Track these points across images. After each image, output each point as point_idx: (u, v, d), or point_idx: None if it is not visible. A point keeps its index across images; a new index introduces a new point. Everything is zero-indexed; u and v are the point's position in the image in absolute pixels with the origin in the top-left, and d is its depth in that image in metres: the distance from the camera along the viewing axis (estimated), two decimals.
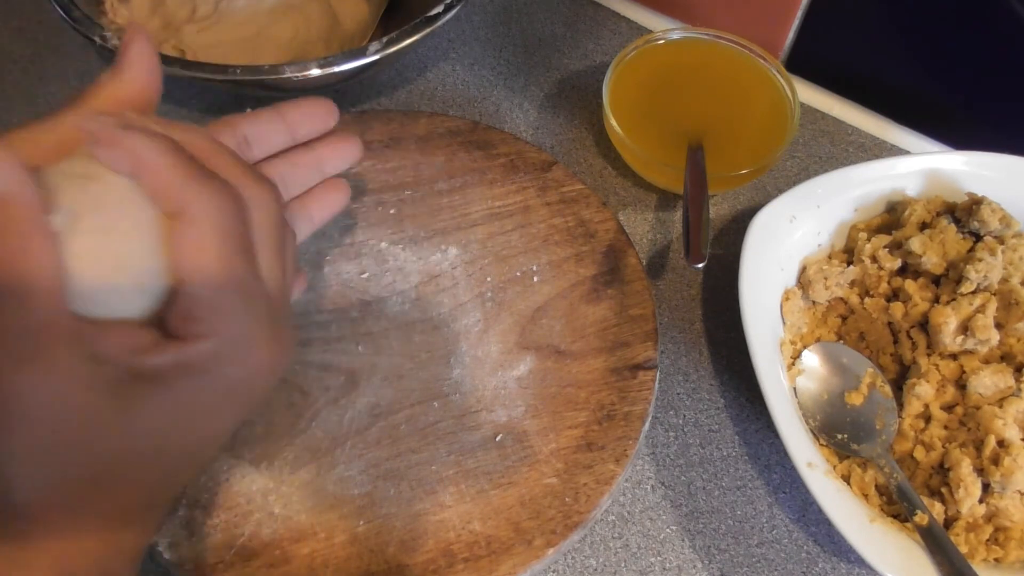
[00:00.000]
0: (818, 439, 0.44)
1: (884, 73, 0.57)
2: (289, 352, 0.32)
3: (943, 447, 0.43)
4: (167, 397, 0.27)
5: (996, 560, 0.41)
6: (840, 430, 0.44)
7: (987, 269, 0.43)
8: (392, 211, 0.51)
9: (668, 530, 0.44)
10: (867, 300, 0.47)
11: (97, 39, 0.48)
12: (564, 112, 0.59)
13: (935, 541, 0.39)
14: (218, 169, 0.29)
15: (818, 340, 0.47)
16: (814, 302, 0.48)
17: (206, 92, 0.58)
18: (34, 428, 0.25)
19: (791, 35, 0.58)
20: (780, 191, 0.48)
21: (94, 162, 0.28)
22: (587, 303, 0.48)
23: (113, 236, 0.27)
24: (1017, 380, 0.43)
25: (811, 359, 0.46)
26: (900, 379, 0.46)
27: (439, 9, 0.51)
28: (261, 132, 0.36)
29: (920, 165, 0.49)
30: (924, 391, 0.43)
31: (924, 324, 0.45)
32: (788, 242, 0.47)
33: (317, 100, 0.38)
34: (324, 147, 0.39)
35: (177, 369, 0.27)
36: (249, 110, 0.37)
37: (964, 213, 0.47)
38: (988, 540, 0.41)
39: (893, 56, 0.56)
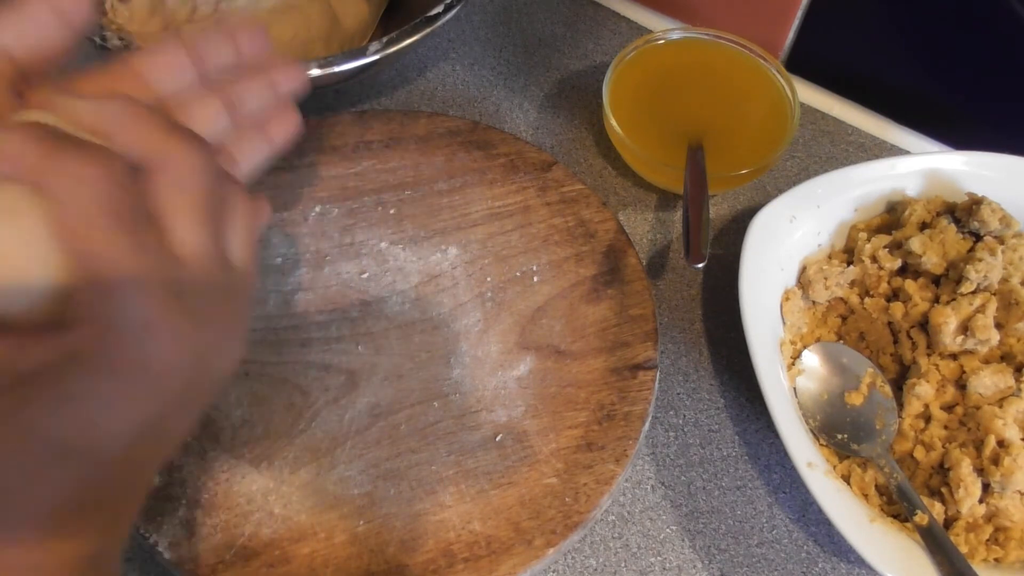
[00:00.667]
0: (818, 439, 0.44)
1: (884, 73, 0.57)
2: (229, 327, 0.29)
3: (943, 447, 0.43)
4: (57, 393, 0.25)
5: (996, 560, 0.41)
6: (840, 430, 0.44)
7: (987, 269, 0.44)
8: (392, 211, 0.51)
9: (668, 530, 0.44)
10: (867, 300, 0.47)
11: (97, 39, 0.48)
12: (564, 112, 0.59)
13: (935, 541, 0.39)
14: (113, 133, 0.27)
15: (818, 340, 0.47)
16: (814, 302, 0.48)
17: None
18: None
19: (791, 35, 0.58)
20: (780, 191, 0.48)
21: None
22: (587, 303, 0.48)
23: (7, 233, 0.25)
24: (1017, 380, 0.43)
25: (811, 359, 0.46)
26: (900, 379, 0.46)
27: (439, 9, 0.51)
28: (211, 50, 0.33)
29: (920, 165, 0.49)
30: (924, 391, 0.44)
31: (924, 324, 0.45)
32: (788, 242, 0.47)
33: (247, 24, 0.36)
34: (272, 66, 0.36)
35: (60, 361, 0.25)
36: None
37: (964, 213, 0.47)
38: (988, 540, 0.41)
39: (893, 56, 0.56)
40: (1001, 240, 0.46)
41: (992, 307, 0.43)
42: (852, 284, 0.48)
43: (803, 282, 0.47)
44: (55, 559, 0.26)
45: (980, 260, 0.44)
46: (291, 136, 0.37)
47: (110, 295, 0.25)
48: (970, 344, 0.44)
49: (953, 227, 0.46)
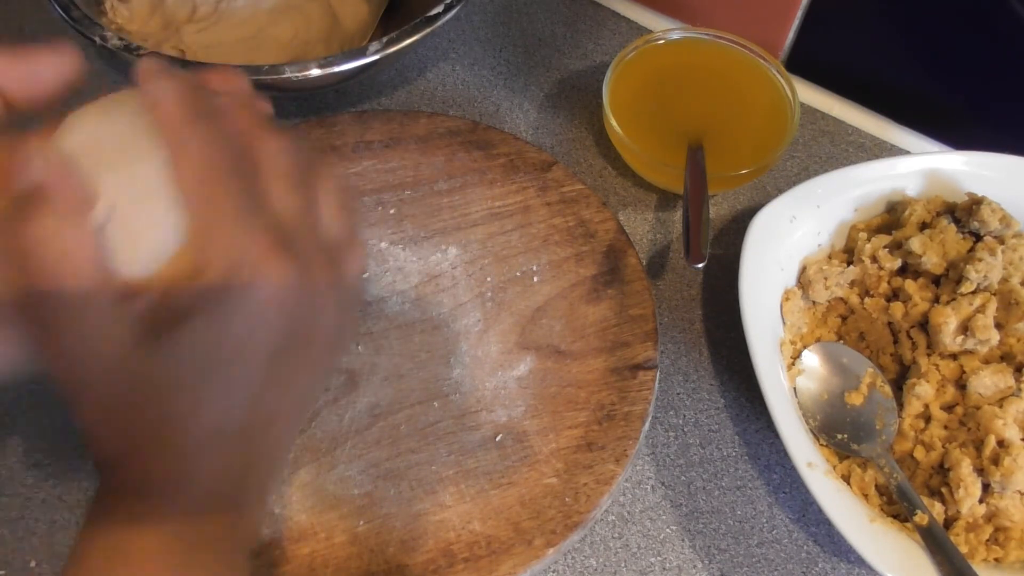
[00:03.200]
0: (818, 439, 0.44)
1: (884, 73, 0.57)
2: (338, 286, 0.31)
3: (943, 447, 0.43)
4: (192, 339, 0.27)
5: (996, 560, 0.41)
6: (840, 430, 0.44)
7: (987, 269, 0.44)
8: (392, 211, 0.51)
9: (668, 530, 0.44)
10: (867, 300, 0.47)
11: (97, 39, 0.48)
12: (564, 112, 0.59)
13: (935, 541, 0.39)
14: (218, 110, 0.30)
15: (818, 340, 0.47)
16: (814, 302, 0.48)
17: None
18: (97, 393, 0.27)
19: (791, 35, 0.58)
20: (780, 191, 0.48)
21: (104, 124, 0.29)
22: (587, 303, 0.48)
23: (142, 206, 0.28)
24: (1017, 380, 0.43)
25: (811, 359, 0.46)
26: (900, 379, 0.46)
27: (439, 9, 0.51)
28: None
29: (920, 165, 0.49)
30: (924, 391, 0.43)
31: (924, 324, 0.45)
32: (788, 242, 0.47)
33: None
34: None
35: (191, 307, 0.27)
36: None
37: (964, 213, 0.47)
38: (988, 540, 0.41)
39: (893, 56, 0.56)
40: (1001, 240, 0.46)
41: (992, 307, 0.43)
42: (852, 284, 0.48)
43: (803, 282, 0.47)
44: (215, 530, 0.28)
45: (980, 260, 0.44)
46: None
47: (220, 238, 0.28)
48: (970, 344, 0.44)
49: (953, 227, 0.46)
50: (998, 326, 0.44)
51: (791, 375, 0.45)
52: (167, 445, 0.28)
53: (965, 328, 0.44)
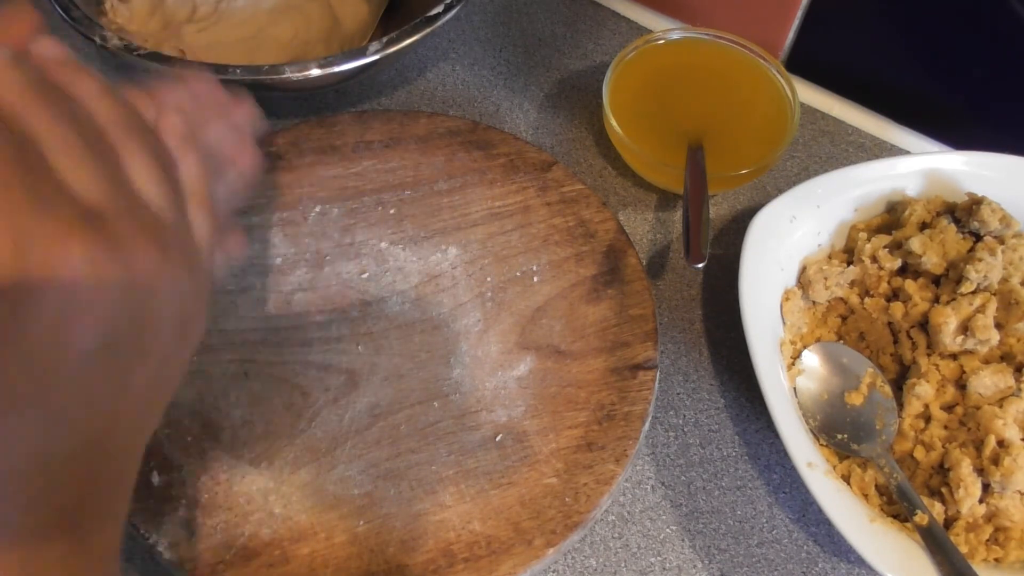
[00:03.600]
0: (818, 439, 0.44)
1: (884, 73, 0.57)
2: (169, 271, 0.27)
3: (943, 447, 0.43)
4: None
5: (996, 560, 0.41)
6: (840, 430, 0.44)
7: (987, 269, 0.44)
8: (392, 211, 0.51)
9: (668, 530, 0.44)
10: (867, 300, 0.47)
11: (97, 39, 0.48)
12: (564, 112, 0.59)
13: (935, 541, 0.39)
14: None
15: (818, 340, 0.47)
16: (814, 302, 0.48)
17: None
18: None
19: (791, 35, 0.58)
20: (780, 191, 0.48)
21: None
22: (587, 303, 0.48)
23: None
24: (1017, 380, 0.43)
25: (811, 359, 0.46)
26: (900, 379, 0.46)
27: (439, 9, 0.51)
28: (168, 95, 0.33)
29: (920, 165, 0.49)
30: (924, 391, 0.44)
31: (924, 324, 0.45)
32: (788, 242, 0.47)
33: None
34: (228, 104, 0.37)
35: None
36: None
37: (964, 213, 0.47)
38: (988, 540, 0.41)
39: (893, 56, 0.56)
40: (1001, 240, 0.46)
41: (992, 307, 0.43)
42: (852, 284, 0.48)
43: (803, 282, 0.47)
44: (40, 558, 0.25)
45: (980, 260, 0.44)
46: (255, 169, 0.38)
47: (8, 227, 0.23)
48: (970, 344, 0.44)
49: (953, 227, 0.46)
50: (998, 326, 0.44)
51: (791, 375, 0.45)
52: None
53: (965, 328, 0.44)
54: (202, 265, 0.30)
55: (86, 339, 0.24)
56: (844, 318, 0.48)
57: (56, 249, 0.23)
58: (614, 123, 0.52)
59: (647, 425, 0.44)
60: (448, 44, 0.62)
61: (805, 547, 0.44)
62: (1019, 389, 0.43)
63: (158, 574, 0.41)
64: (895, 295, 0.47)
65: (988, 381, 0.43)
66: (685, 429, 0.47)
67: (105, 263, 0.24)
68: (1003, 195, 0.47)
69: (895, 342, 0.47)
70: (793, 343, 0.46)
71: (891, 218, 0.49)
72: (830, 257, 0.49)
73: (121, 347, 0.25)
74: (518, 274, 0.49)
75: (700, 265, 0.45)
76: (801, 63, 0.59)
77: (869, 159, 0.57)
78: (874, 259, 0.47)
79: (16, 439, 0.24)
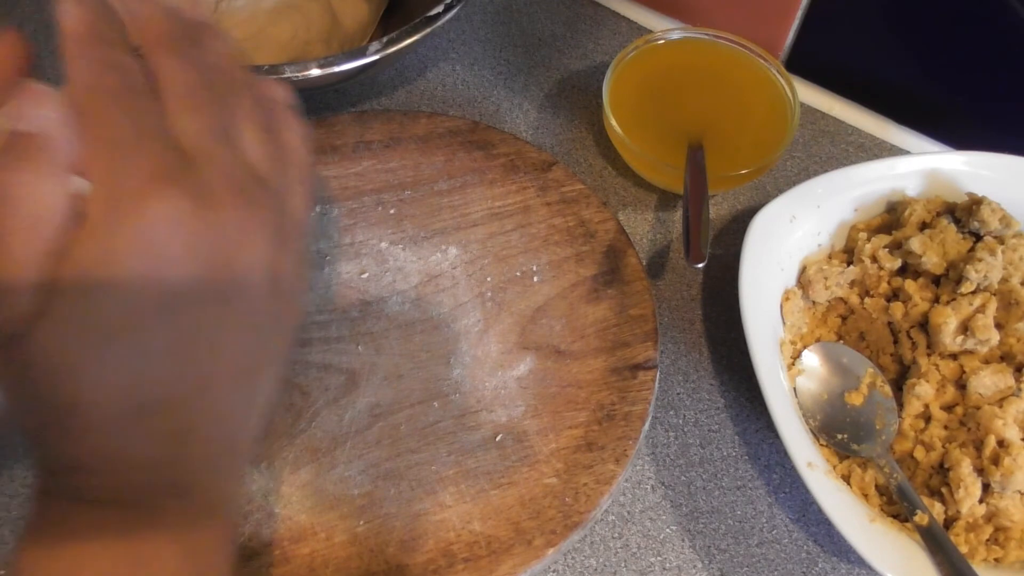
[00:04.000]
0: (818, 439, 0.44)
1: (884, 73, 0.57)
2: (262, 233, 0.27)
3: (943, 447, 0.43)
4: (65, 304, 0.23)
5: (996, 560, 0.41)
6: (840, 430, 0.44)
7: (987, 269, 0.44)
8: (392, 211, 0.51)
9: (668, 530, 0.44)
10: (867, 300, 0.47)
11: None
12: (564, 112, 0.59)
13: (935, 541, 0.39)
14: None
15: (818, 340, 0.47)
16: (814, 302, 0.48)
17: None
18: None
19: (791, 35, 0.58)
20: (780, 191, 0.48)
21: None
22: (587, 303, 0.48)
23: None
24: (1017, 380, 0.43)
25: (811, 359, 0.46)
26: (900, 379, 0.46)
27: (439, 9, 0.51)
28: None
29: (920, 165, 0.49)
30: (924, 391, 0.43)
31: (924, 324, 0.45)
32: (788, 242, 0.47)
33: None
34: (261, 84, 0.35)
35: (64, 265, 0.23)
36: None
37: (964, 213, 0.47)
38: (988, 540, 0.41)
39: (893, 56, 0.56)
40: (1001, 240, 0.46)
41: (992, 307, 0.43)
42: (852, 284, 0.48)
43: (803, 282, 0.47)
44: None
45: (980, 260, 0.44)
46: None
47: (103, 169, 0.24)
48: (970, 344, 0.44)
49: (953, 227, 0.46)
50: (998, 326, 0.44)
51: (791, 375, 0.45)
52: (78, 435, 0.25)
53: (965, 328, 0.44)
54: (298, 235, 0.30)
55: (164, 298, 0.24)
56: (844, 318, 0.48)
57: (142, 201, 0.23)
58: (614, 123, 0.52)
59: (647, 425, 0.44)
60: (448, 44, 0.62)
61: (805, 547, 0.44)
62: (1019, 389, 0.43)
63: None
64: (895, 295, 0.47)
65: (988, 381, 0.43)
66: (685, 429, 0.47)
67: (188, 214, 0.24)
68: (1003, 195, 0.47)
69: (895, 342, 0.47)
70: (793, 343, 0.46)
71: (891, 218, 0.49)
72: (830, 257, 0.49)
73: (209, 306, 0.25)
74: (518, 274, 0.49)
75: (700, 265, 0.45)
76: (801, 63, 0.59)
77: (869, 159, 0.57)
78: (874, 259, 0.47)
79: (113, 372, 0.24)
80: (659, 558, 0.43)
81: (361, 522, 0.41)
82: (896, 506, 0.42)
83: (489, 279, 0.49)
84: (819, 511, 0.39)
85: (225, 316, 0.26)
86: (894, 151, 0.58)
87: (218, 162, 0.26)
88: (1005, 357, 0.44)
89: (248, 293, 0.27)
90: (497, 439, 0.44)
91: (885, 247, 0.47)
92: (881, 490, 0.42)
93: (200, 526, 0.27)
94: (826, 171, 0.49)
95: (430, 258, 0.49)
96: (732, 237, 0.54)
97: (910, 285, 0.46)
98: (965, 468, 0.41)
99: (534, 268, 0.49)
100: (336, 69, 0.48)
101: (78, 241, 0.23)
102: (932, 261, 0.45)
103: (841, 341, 0.47)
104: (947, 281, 0.46)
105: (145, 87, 0.26)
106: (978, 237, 0.47)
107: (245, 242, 0.26)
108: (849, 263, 0.48)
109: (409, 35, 0.50)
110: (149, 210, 0.23)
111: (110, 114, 0.24)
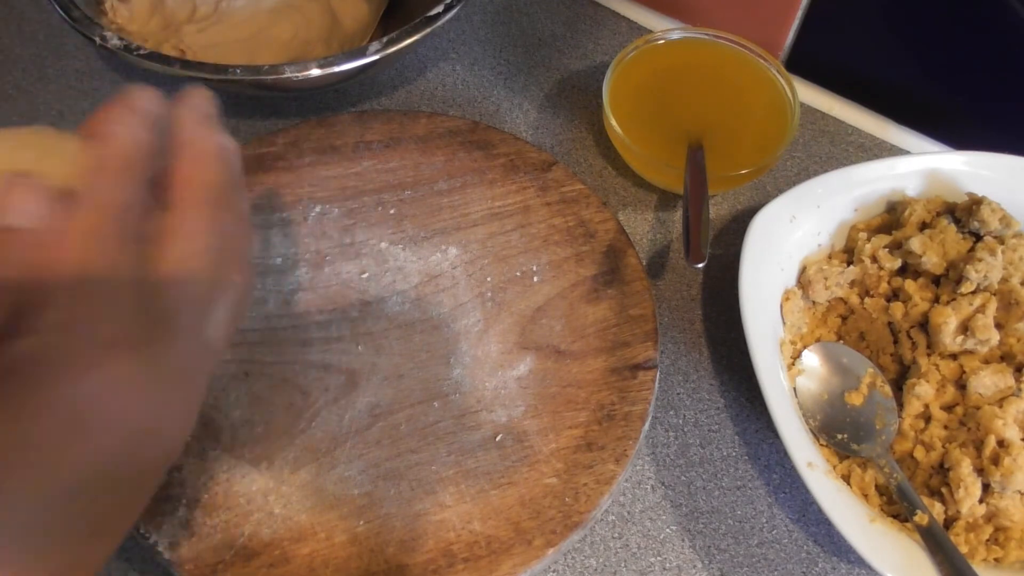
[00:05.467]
0: (818, 439, 0.44)
1: (884, 73, 0.57)
2: (193, 367, 0.27)
3: (943, 447, 0.43)
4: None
5: (996, 560, 0.41)
6: (840, 430, 0.44)
7: (987, 269, 0.44)
8: (392, 211, 0.51)
9: (668, 530, 0.44)
10: (867, 300, 0.47)
11: (97, 39, 0.48)
12: (564, 112, 0.59)
13: (935, 541, 0.39)
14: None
15: (818, 340, 0.47)
16: (814, 302, 0.48)
17: None
18: None
19: (791, 35, 0.58)
20: (780, 191, 0.48)
21: None
22: (587, 303, 0.48)
23: None
24: (1017, 380, 0.43)
25: (811, 359, 0.46)
26: (900, 379, 0.46)
27: (439, 9, 0.51)
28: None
29: (920, 165, 0.49)
30: (924, 391, 0.43)
31: (924, 324, 0.45)
32: (788, 242, 0.47)
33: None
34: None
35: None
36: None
37: (964, 213, 0.47)
38: (988, 540, 0.41)
39: (893, 56, 0.56)
40: (1001, 240, 0.46)
41: (992, 307, 0.43)
42: (852, 284, 0.48)
43: (803, 282, 0.47)
44: None
45: (980, 260, 0.44)
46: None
47: (57, 305, 0.24)
48: (970, 344, 0.44)
49: (953, 227, 0.46)
50: (998, 326, 0.44)
51: (791, 375, 0.45)
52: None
53: (965, 328, 0.44)
54: (198, 368, 0.30)
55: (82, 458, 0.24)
56: (844, 318, 0.48)
57: (94, 359, 0.24)
58: (614, 123, 0.52)
59: (647, 425, 0.44)
60: (448, 44, 0.62)
61: (805, 547, 0.44)
62: (1019, 389, 0.43)
63: (158, 574, 0.41)
64: (895, 295, 0.47)
65: (988, 381, 0.43)
66: (685, 429, 0.47)
67: (130, 387, 0.24)
68: (1003, 195, 0.47)
69: (895, 342, 0.47)
70: (793, 343, 0.46)
71: (891, 218, 0.49)
72: (830, 257, 0.49)
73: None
74: (518, 274, 0.49)
75: (700, 265, 0.45)
76: (801, 63, 0.59)
77: (869, 159, 0.57)
78: (874, 259, 0.47)
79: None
80: (659, 558, 0.43)
81: (361, 522, 0.41)
82: (896, 506, 0.42)
83: (489, 279, 0.49)
84: (819, 511, 0.39)
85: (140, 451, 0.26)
86: (894, 151, 0.58)
87: (181, 339, 0.26)
88: (1005, 357, 0.44)
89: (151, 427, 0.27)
90: (497, 439, 0.44)
91: (885, 247, 0.47)
92: (881, 490, 0.42)
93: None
94: (826, 171, 0.49)
95: (430, 258, 0.49)
96: (732, 237, 0.54)
97: (910, 285, 0.46)
98: (965, 468, 0.41)
99: (534, 268, 0.49)
100: (336, 69, 0.48)
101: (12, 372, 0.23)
102: (932, 261, 0.45)
103: (841, 341, 0.47)
104: (947, 281, 0.46)
105: (149, 232, 0.26)
106: (978, 237, 0.47)
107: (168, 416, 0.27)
108: (849, 263, 0.48)
109: (409, 35, 0.50)
110: (96, 375, 0.23)
111: (101, 251, 0.24)
